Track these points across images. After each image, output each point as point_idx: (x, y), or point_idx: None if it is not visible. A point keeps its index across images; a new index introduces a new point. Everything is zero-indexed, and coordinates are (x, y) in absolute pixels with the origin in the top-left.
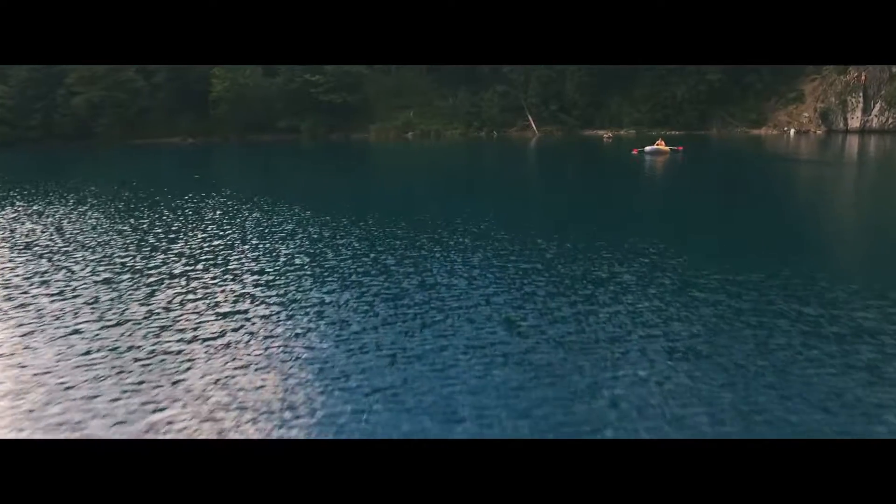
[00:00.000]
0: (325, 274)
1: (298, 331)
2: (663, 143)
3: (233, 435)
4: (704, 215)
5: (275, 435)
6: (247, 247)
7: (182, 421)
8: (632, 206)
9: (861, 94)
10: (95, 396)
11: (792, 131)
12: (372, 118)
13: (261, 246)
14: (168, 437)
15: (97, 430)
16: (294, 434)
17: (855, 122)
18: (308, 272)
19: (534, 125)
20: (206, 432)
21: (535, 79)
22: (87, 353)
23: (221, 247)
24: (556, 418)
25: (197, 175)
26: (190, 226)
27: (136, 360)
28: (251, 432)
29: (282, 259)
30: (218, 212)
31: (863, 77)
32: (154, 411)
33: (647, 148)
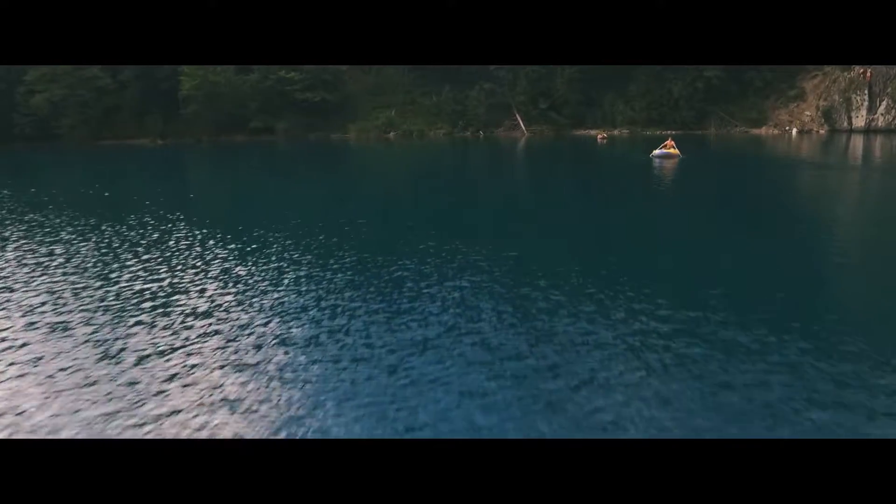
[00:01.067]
0: (301, 284)
1: (278, 334)
2: (672, 143)
3: (230, 435)
4: (715, 227)
5: (275, 435)
6: (209, 257)
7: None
8: (640, 215)
9: (866, 92)
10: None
11: (794, 131)
12: (352, 117)
13: (223, 256)
14: (168, 437)
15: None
16: (292, 434)
17: (860, 121)
18: (283, 283)
19: (522, 125)
20: (204, 433)
21: (524, 76)
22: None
23: (182, 259)
24: (552, 420)
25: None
26: (148, 237)
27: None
28: (249, 433)
29: (253, 269)
30: (176, 219)
31: (867, 74)
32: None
33: (656, 151)
